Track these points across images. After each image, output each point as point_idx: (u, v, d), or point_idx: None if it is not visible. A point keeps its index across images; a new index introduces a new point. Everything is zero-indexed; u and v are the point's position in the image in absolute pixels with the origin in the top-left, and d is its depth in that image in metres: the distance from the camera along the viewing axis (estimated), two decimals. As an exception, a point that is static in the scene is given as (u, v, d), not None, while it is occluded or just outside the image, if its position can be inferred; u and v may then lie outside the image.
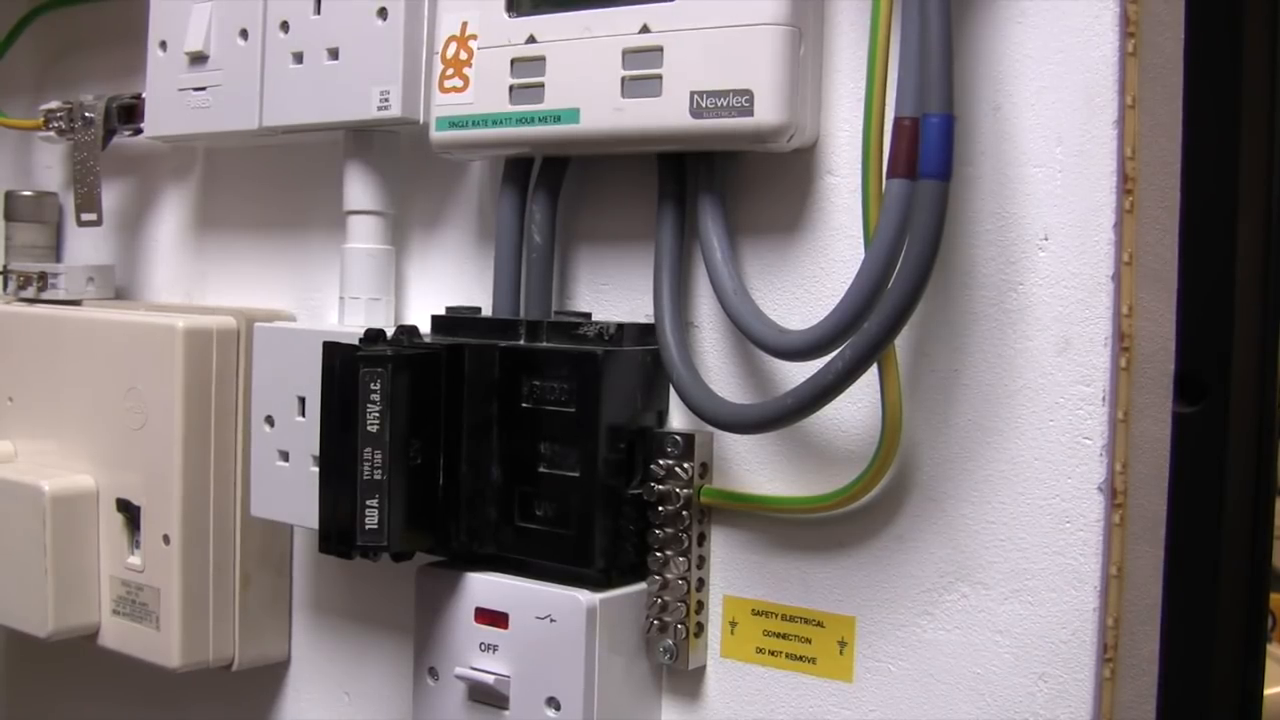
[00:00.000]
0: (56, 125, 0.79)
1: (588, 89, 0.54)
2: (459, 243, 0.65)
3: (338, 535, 0.53)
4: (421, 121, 0.61)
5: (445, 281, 0.66)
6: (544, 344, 0.56)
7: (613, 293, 0.60)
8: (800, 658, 0.54)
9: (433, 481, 0.55)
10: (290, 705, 0.72)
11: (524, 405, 0.55)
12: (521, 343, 0.56)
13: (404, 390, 0.52)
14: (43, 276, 0.78)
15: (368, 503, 0.52)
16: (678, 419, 0.57)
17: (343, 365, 0.52)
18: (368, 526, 0.52)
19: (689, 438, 0.55)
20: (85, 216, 0.78)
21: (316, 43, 0.64)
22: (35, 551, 0.69)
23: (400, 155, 0.65)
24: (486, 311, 0.61)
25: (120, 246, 0.82)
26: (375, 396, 0.52)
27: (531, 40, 0.55)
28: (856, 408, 0.52)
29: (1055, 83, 0.48)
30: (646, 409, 0.56)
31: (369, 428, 0.52)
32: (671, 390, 0.56)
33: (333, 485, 0.53)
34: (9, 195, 0.84)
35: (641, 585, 0.55)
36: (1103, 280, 0.47)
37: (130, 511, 0.68)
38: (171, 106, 0.70)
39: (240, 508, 0.68)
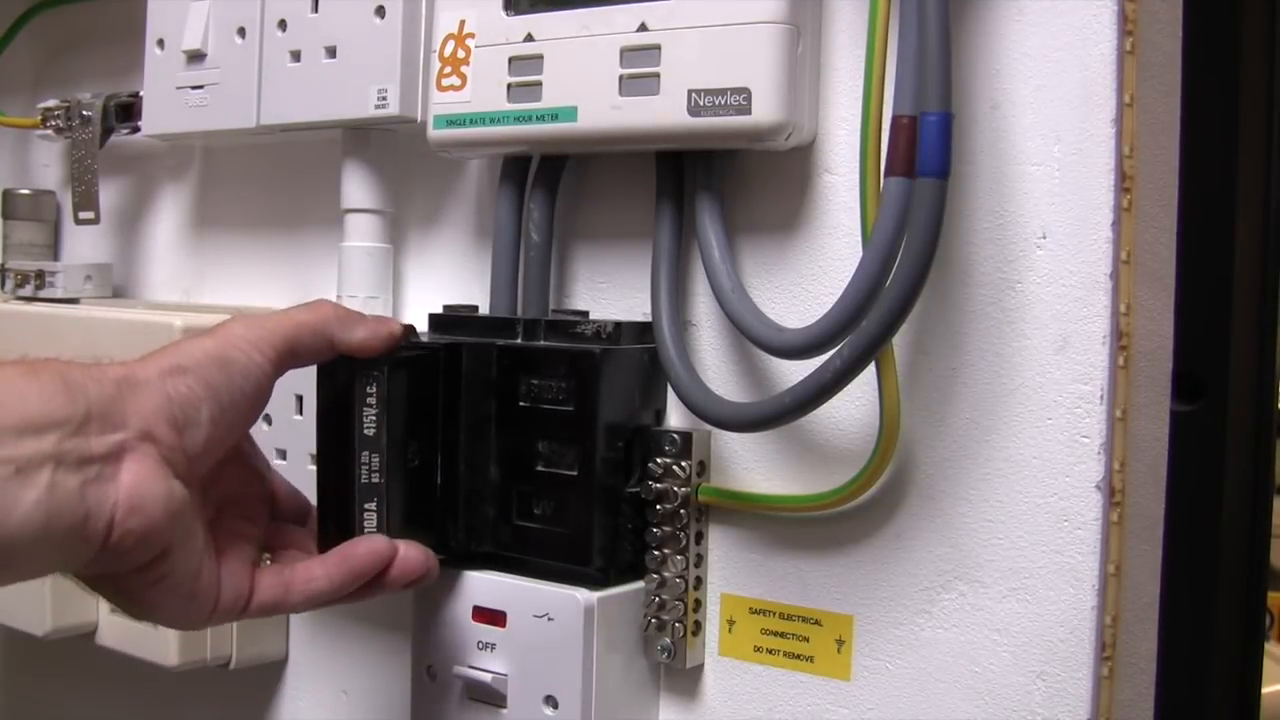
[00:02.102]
0: (54, 123, 0.79)
1: (585, 87, 0.54)
2: (457, 241, 0.65)
3: (337, 539, 0.53)
4: (419, 120, 0.61)
5: (443, 280, 0.66)
6: (542, 343, 0.56)
7: (610, 291, 0.60)
8: (798, 656, 0.54)
9: (431, 481, 0.55)
10: (288, 704, 0.72)
11: (522, 404, 0.55)
12: (519, 341, 0.56)
13: (400, 393, 0.52)
14: (40, 275, 0.78)
15: (366, 506, 0.51)
16: (675, 417, 0.57)
17: (338, 368, 0.52)
18: (366, 530, 0.52)
19: (687, 436, 0.55)
20: (83, 215, 0.78)
21: (314, 41, 0.63)
22: (33, 550, 0.69)
23: (398, 153, 0.65)
24: (484, 310, 0.60)
25: (118, 245, 0.82)
26: (371, 400, 0.51)
27: (529, 39, 0.55)
28: (854, 406, 0.52)
29: (1053, 81, 0.48)
30: (644, 407, 0.56)
31: (366, 431, 0.51)
32: (669, 389, 0.56)
33: (330, 489, 0.53)
34: (7, 193, 0.84)
35: (639, 584, 0.55)
36: (1101, 279, 0.47)
37: (128, 510, 0.68)
38: (169, 105, 0.70)
39: (238, 506, 0.67)
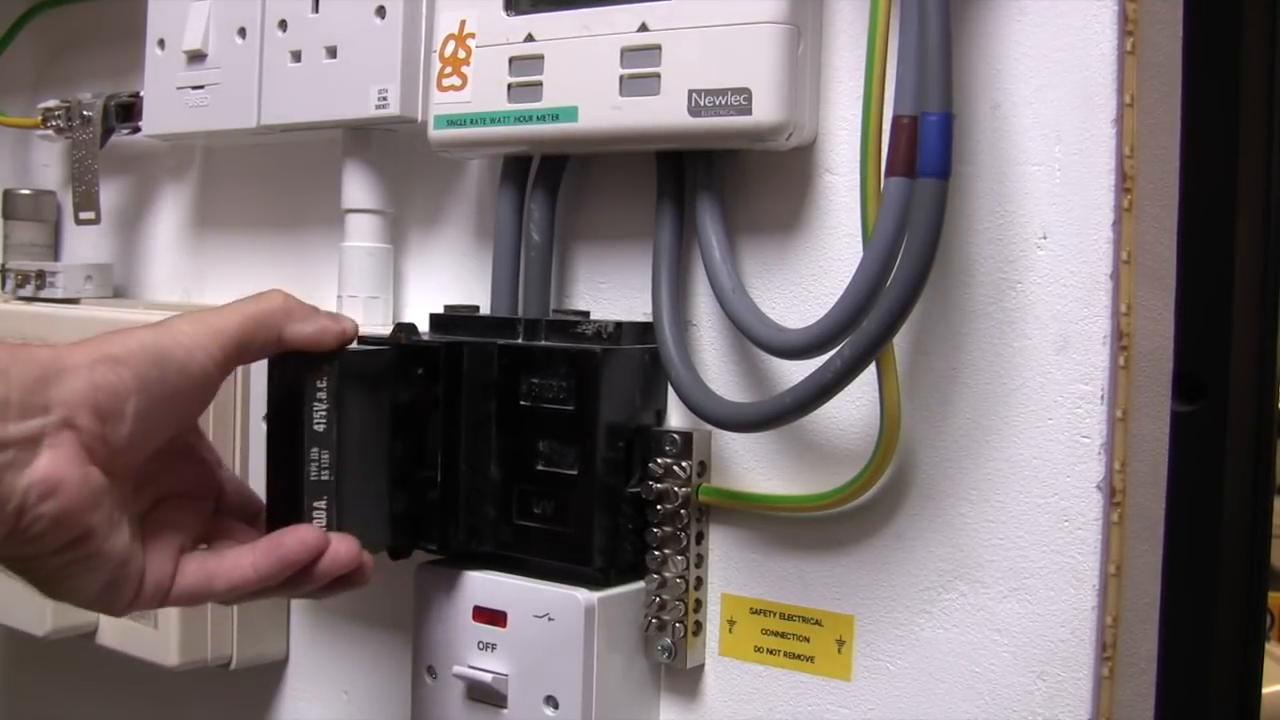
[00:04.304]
0: (55, 123, 0.79)
1: (586, 87, 0.54)
2: (457, 241, 0.65)
3: None
4: (420, 120, 0.61)
5: (444, 280, 0.66)
6: (542, 342, 0.56)
7: (611, 291, 0.60)
8: (799, 656, 0.54)
9: (410, 479, 0.54)
10: (289, 704, 0.72)
11: (522, 403, 0.55)
12: (520, 341, 0.56)
13: (354, 389, 0.51)
14: (41, 275, 0.78)
15: (315, 504, 0.50)
16: (676, 417, 0.57)
17: (288, 362, 0.50)
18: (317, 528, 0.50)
19: (687, 436, 0.55)
20: (83, 215, 0.78)
21: (315, 41, 0.63)
22: (33, 550, 0.69)
23: (399, 154, 0.65)
24: (485, 310, 0.60)
25: (118, 245, 0.82)
26: (321, 395, 0.50)
27: (530, 39, 0.55)
28: (855, 406, 0.52)
29: (1054, 81, 0.48)
30: (645, 407, 0.56)
31: (315, 427, 0.50)
32: (670, 389, 0.56)
33: (279, 486, 0.51)
34: (7, 194, 0.84)
35: (640, 584, 0.55)
36: (1101, 279, 0.47)
37: (128, 510, 0.68)
38: (170, 105, 0.70)
39: (238, 506, 0.67)
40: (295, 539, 0.49)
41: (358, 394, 0.52)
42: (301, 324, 0.49)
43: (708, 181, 0.54)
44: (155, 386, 0.45)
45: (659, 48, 0.52)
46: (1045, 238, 0.48)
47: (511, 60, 0.56)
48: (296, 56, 0.64)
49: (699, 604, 0.56)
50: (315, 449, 0.50)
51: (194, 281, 0.78)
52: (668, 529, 0.55)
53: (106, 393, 0.44)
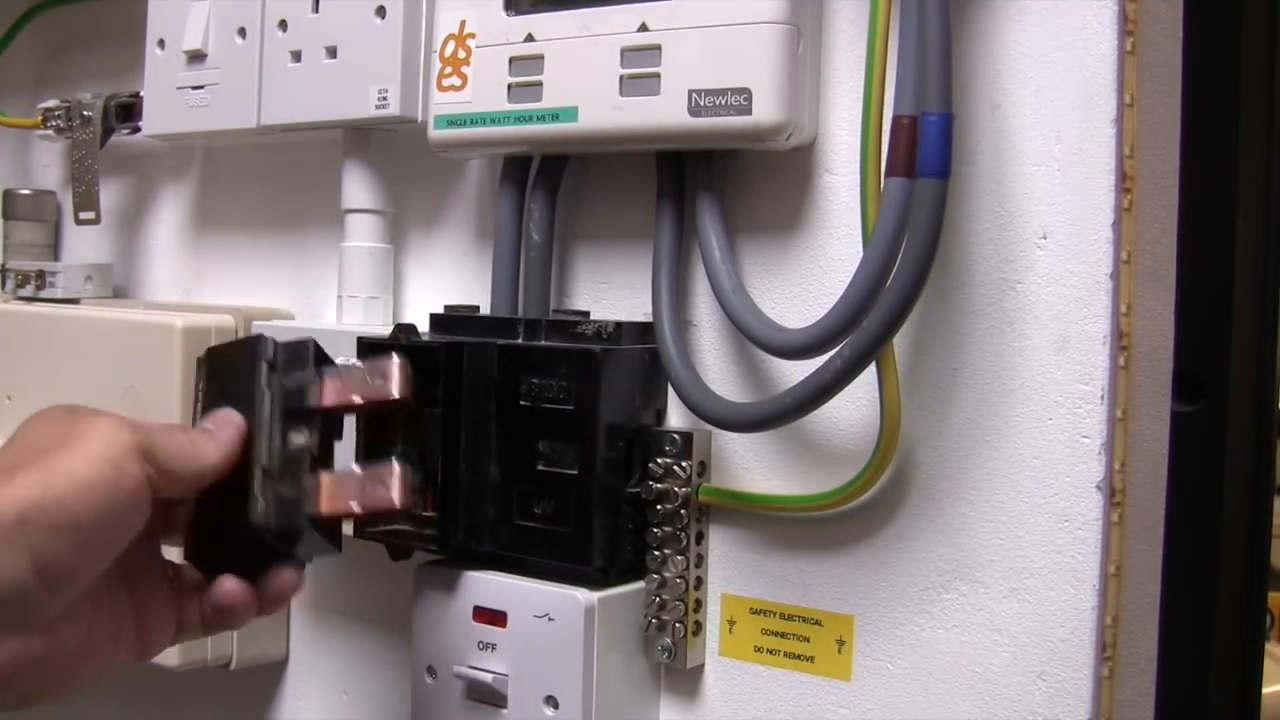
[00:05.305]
0: (55, 124, 0.79)
1: (586, 87, 0.54)
2: (457, 241, 0.65)
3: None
4: (420, 120, 0.61)
5: (444, 280, 0.66)
6: (542, 342, 0.56)
7: (611, 291, 0.60)
8: (799, 656, 0.54)
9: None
10: (288, 704, 0.72)
11: (522, 403, 0.55)
12: (520, 341, 0.56)
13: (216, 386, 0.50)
14: (41, 275, 0.78)
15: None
16: (676, 417, 0.57)
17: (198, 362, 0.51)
18: None
19: (687, 436, 0.55)
20: (83, 215, 0.78)
21: (315, 41, 0.64)
22: (33, 550, 0.69)
23: (399, 154, 0.65)
24: (485, 310, 0.60)
25: (118, 245, 0.82)
26: (199, 393, 0.50)
27: (530, 39, 0.55)
28: (855, 406, 0.52)
29: (1054, 81, 0.48)
30: (645, 407, 0.56)
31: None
32: (670, 389, 0.56)
33: None
34: (7, 194, 0.84)
35: (640, 584, 0.55)
36: (1101, 279, 0.47)
37: (128, 510, 0.68)
38: (170, 105, 0.70)
39: (238, 506, 0.67)
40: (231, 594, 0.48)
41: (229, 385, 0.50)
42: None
43: (708, 182, 0.54)
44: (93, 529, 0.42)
45: (659, 48, 0.52)
46: (1045, 238, 0.48)
47: (511, 60, 0.56)
48: (296, 56, 0.64)
49: (699, 604, 0.56)
50: None
51: (194, 281, 0.78)
52: (668, 529, 0.55)
53: (45, 559, 0.41)
